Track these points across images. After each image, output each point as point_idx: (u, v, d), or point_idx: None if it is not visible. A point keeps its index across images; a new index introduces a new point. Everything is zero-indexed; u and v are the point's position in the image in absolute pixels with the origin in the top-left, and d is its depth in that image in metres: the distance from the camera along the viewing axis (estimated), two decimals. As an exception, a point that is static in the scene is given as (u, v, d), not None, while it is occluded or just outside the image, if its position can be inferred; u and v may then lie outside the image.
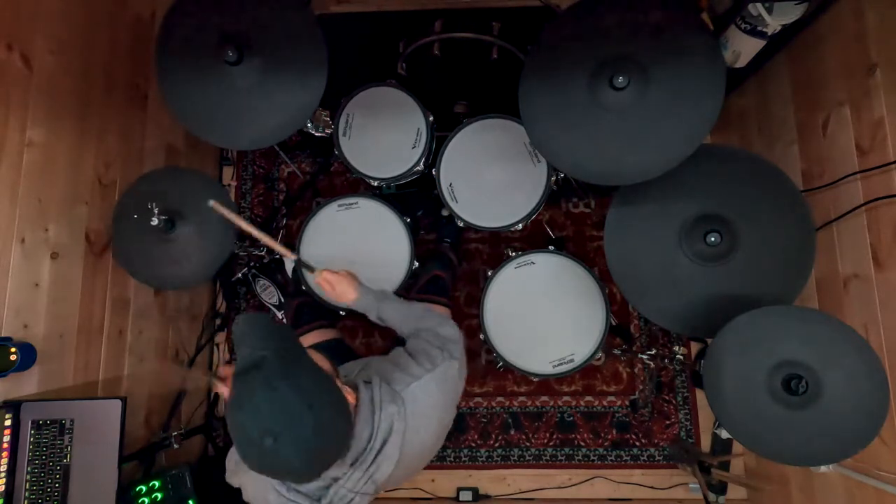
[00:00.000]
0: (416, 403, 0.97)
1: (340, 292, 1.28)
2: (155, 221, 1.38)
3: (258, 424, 0.73)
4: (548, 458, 2.10)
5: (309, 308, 1.66)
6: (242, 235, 2.13)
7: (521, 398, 2.14)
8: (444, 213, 1.75)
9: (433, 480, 2.12)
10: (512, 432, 2.13)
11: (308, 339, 1.54)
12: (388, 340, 2.19)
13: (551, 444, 2.11)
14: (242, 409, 0.75)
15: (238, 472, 1.02)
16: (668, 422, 2.09)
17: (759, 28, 1.52)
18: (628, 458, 2.08)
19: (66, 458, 1.31)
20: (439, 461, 2.12)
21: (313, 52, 1.35)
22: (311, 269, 1.32)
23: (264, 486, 0.93)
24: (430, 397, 0.99)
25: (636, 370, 2.13)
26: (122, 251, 1.52)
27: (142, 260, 1.50)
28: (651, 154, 1.18)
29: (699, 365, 2.08)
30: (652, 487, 2.06)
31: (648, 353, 1.99)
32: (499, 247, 2.20)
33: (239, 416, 0.75)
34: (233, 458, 1.07)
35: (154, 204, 1.39)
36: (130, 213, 1.46)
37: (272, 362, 0.77)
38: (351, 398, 0.88)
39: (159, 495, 1.48)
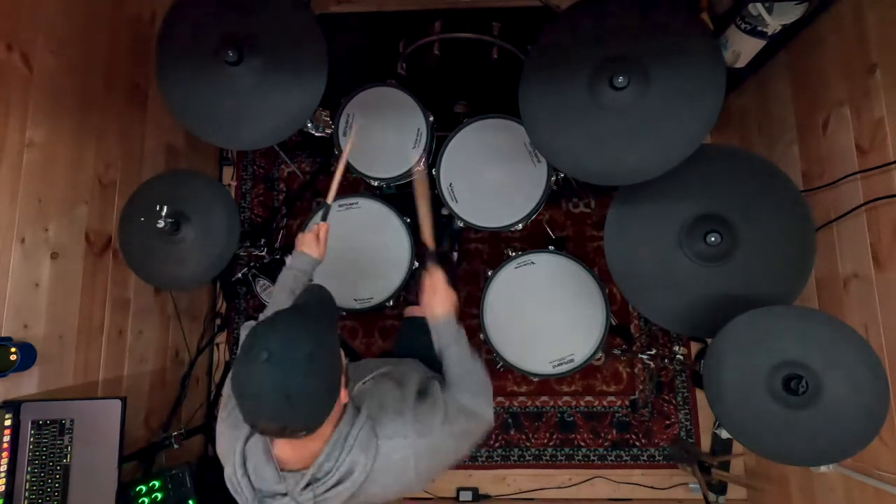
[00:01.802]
0: (387, 460, 0.93)
1: (437, 301, 1.17)
2: (161, 224, 1.38)
3: (266, 338, 0.79)
4: (548, 458, 2.10)
5: None
6: (244, 236, 2.13)
7: (521, 398, 2.14)
8: (444, 212, 1.75)
9: (433, 480, 2.12)
10: (512, 432, 2.13)
11: None
12: (388, 341, 2.19)
13: (551, 444, 2.11)
14: (261, 326, 0.83)
15: (222, 417, 1.01)
16: (668, 422, 2.09)
17: (759, 28, 1.52)
18: (628, 458, 2.08)
19: (66, 458, 1.31)
20: (439, 461, 2.12)
21: (313, 52, 1.35)
22: (430, 261, 1.23)
23: (229, 451, 0.94)
24: (405, 464, 0.94)
25: (636, 370, 2.13)
26: (128, 252, 1.52)
27: (147, 261, 1.50)
28: (651, 154, 1.18)
29: (699, 365, 2.08)
30: (652, 487, 2.06)
31: (648, 353, 1.99)
32: (499, 247, 2.20)
33: (260, 326, 0.83)
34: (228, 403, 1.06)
35: (161, 206, 1.39)
36: (137, 215, 1.46)
37: (312, 314, 0.89)
38: (345, 398, 0.89)
39: (159, 495, 1.48)
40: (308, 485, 0.89)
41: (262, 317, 1.16)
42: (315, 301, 1.08)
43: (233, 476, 0.93)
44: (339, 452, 0.90)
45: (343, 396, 0.88)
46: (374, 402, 1.01)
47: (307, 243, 1.27)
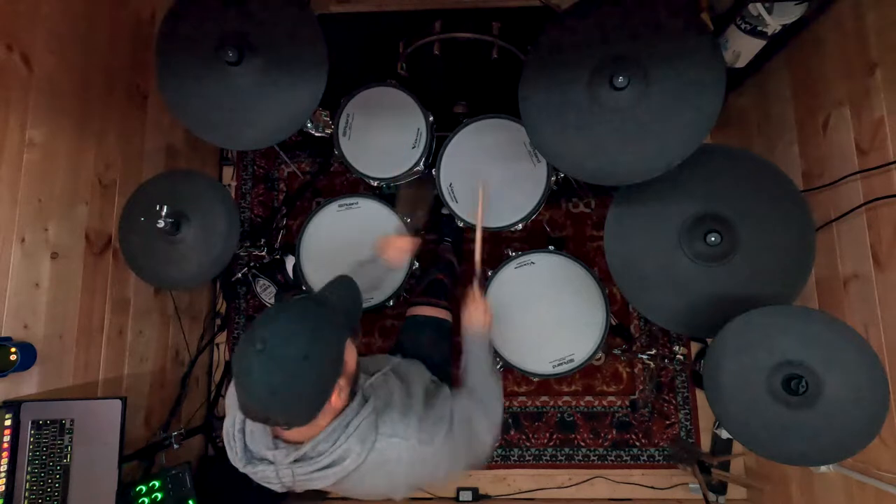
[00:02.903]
0: (380, 458, 0.93)
1: (477, 316, 1.25)
2: (161, 224, 1.38)
3: (264, 328, 0.80)
4: (548, 458, 2.10)
5: None
6: (244, 236, 2.13)
7: (521, 398, 2.14)
8: (444, 212, 1.75)
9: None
10: (512, 432, 2.13)
11: None
12: (389, 341, 2.19)
13: (551, 444, 2.11)
14: (272, 309, 0.84)
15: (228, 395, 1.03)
16: (668, 422, 2.09)
17: (759, 28, 1.52)
18: (628, 458, 2.08)
19: (66, 458, 1.31)
20: (439, 461, 2.12)
21: (313, 52, 1.35)
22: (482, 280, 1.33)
23: (234, 404, 0.94)
24: (399, 464, 0.94)
25: (636, 370, 2.13)
26: (128, 252, 1.52)
27: (147, 261, 1.49)
28: (651, 154, 1.18)
29: (699, 365, 2.08)
30: (652, 487, 2.06)
31: (648, 353, 1.99)
32: (499, 247, 2.19)
33: (266, 314, 0.84)
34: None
35: (161, 206, 1.39)
36: (137, 215, 1.46)
37: (325, 312, 0.86)
38: (337, 402, 0.88)
39: (159, 495, 1.48)
40: (298, 460, 0.90)
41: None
42: (336, 297, 1.04)
43: (230, 428, 0.95)
44: (338, 437, 0.90)
45: (334, 400, 0.86)
46: (381, 398, 1.01)
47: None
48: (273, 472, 0.90)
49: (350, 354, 0.89)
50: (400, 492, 0.98)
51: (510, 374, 2.14)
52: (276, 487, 0.93)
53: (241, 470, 0.94)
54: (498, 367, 1.69)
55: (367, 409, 0.94)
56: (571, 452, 2.10)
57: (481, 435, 1.06)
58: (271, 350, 0.77)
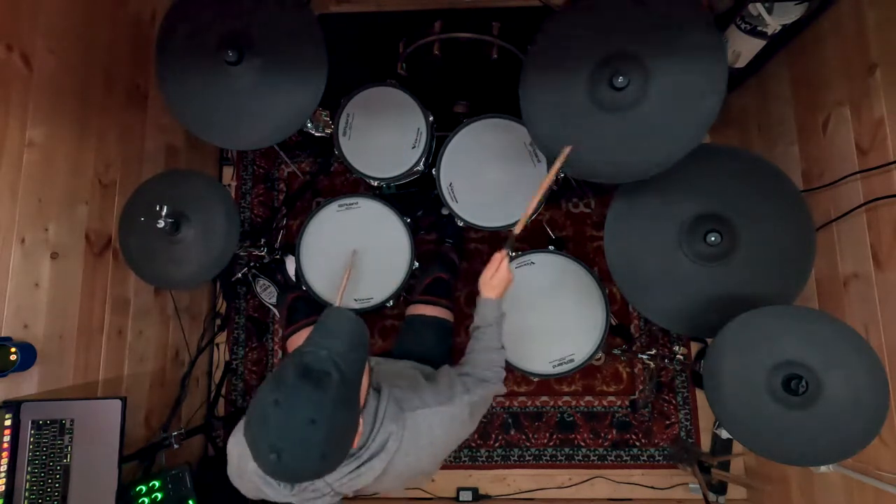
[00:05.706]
0: (415, 430, 0.96)
1: (495, 282, 1.23)
2: (161, 224, 1.38)
3: (277, 434, 0.75)
4: (548, 458, 2.10)
5: (304, 303, 1.66)
6: (244, 236, 2.13)
7: (521, 398, 2.14)
8: (444, 212, 1.75)
9: (433, 480, 2.12)
10: (512, 432, 2.13)
11: (303, 335, 1.54)
12: (388, 341, 2.19)
13: (551, 444, 2.11)
14: (270, 409, 0.75)
15: (233, 442, 1.03)
16: (668, 422, 2.09)
17: (759, 28, 1.52)
18: (628, 458, 2.08)
19: (66, 458, 1.31)
20: (439, 461, 2.12)
21: (313, 52, 1.35)
22: (511, 250, 1.29)
23: (247, 457, 0.94)
24: (432, 430, 0.99)
25: (636, 370, 2.13)
26: (128, 252, 1.52)
27: (147, 261, 1.50)
28: (651, 153, 1.18)
29: (699, 365, 2.08)
30: (652, 487, 2.06)
31: (648, 353, 1.99)
32: (499, 247, 2.19)
33: (267, 412, 0.76)
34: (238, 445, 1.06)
35: (161, 206, 1.39)
36: (137, 215, 1.46)
37: (332, 390, 0.77)
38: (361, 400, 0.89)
39: (159, 495, 1.48)
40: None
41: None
42: (343, 361, 0.81)
43: (258, 472, 0.94)
44: (372, 427, 0.92)
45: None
46: (387, 382, 1.03)
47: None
48: (323, 483, 0.91)
49: (364, 382, 0.89)
50: (441, 454, 1.03)
51: (510, 373, 2.14)
52: (329, 499, 0.94)
53: (292, 499, 0.93)
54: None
55: (384, 395, 0.97)
56: (571, 452, 2.10)
57: (495, 385, 1.15)
58: (289, 461, 0.75)
